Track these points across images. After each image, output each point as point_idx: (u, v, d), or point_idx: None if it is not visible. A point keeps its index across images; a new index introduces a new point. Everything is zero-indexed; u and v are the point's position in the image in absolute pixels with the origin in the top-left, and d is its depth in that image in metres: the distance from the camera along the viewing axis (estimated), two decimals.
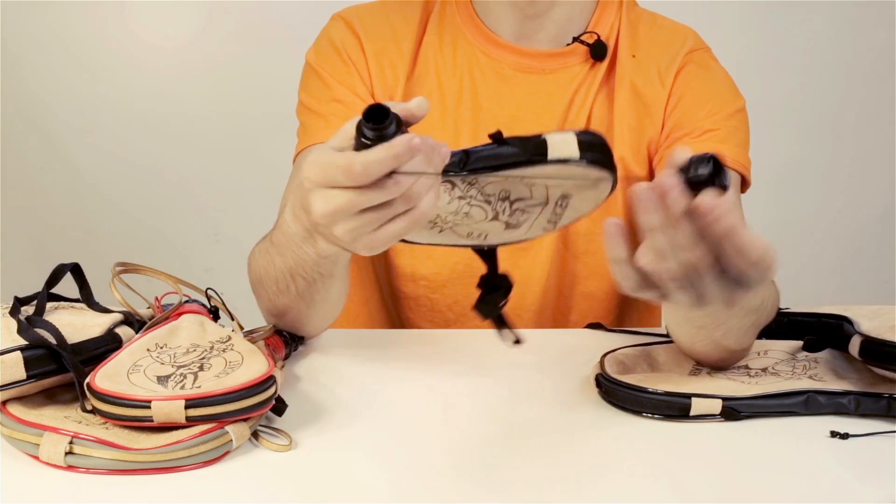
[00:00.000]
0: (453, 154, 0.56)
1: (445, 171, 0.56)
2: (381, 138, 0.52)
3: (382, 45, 0.97)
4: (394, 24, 0.98)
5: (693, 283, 0.51)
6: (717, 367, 0.79)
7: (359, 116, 0.53)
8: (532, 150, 0.57)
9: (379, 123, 0.52)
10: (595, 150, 0.58)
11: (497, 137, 0.57)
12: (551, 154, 0.57)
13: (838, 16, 2.11)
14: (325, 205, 0.55)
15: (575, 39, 0.97)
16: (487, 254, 0.71)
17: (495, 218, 0.64)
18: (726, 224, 0.48)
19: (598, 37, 0.97)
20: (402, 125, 0.53)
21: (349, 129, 0.55)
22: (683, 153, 0.50)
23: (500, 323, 0.72)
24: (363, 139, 0.53)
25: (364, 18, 0.98)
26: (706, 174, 0.48)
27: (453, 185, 0.60)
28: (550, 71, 0.98)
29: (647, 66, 0.98)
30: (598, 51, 0.97)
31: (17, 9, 1.97)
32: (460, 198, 0.61)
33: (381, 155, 0.52)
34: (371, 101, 0.96)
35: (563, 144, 0.57)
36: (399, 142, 0.52)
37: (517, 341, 0.72)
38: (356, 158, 0.53)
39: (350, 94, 0.96)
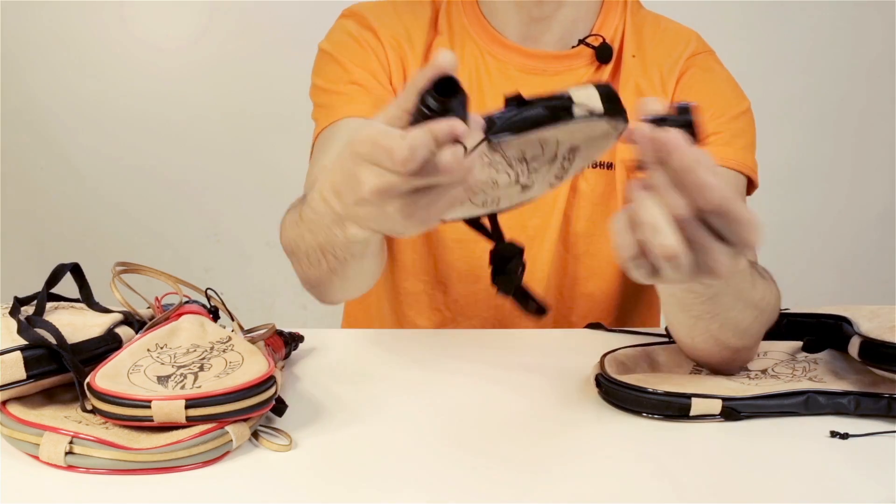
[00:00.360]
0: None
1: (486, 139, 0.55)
2: (444, 112, 0.50)
3: (397, 38, 0.97)
4: (405, 22, 0.98)
5: (679, 253, 0.51)
6: (723, 369, 0.78)
7: (419, 83, 0.51)
8: (559, 109, 0.56)
9: (446, 96, 0.50)
10: (613, 101, 0.58)
11: (518, 99, 0.56)
12: (578, 111, 0.57)
13: (839, 16, 2.11)
14: (377, 180, 0.53)
15: (580, 42, 0.97)
16: (492, 224, 0.69)
17: (516, 181, 0.63)
18: (685, 159, 0.49)
19: (604, 39, 0.97)
20: (466, 105, 0.51)
21: (393, 108, 0.53)
22: (654, 103, 0.52)
23: (522, 295, 0.70)
24: (424, 108, 0.50)
25: (377, 14, 0.99)
26: (674, 118, 0.51)
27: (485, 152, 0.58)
28: (555, 73, 0.98)
29: (650, 70, 0.98)
30: (603, 53, 0.97)
31: (17, 9, 1.98)
32: (489, 165, 0.60)
33: (423, 139, 0.49)
34: (389, 88, 0.97)
35: (587, 100, 0.57)
36: (440, 127, 0.49)
37: (541, 310, 0.70)
38: (401, 142, 0.50)
39: (370, 78, 0.95)
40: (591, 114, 0.57)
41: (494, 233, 0.70)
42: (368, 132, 0.52)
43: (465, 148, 0.51)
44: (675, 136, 0.50)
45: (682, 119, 0.52)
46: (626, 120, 0.59)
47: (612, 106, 0.58)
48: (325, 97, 0.97)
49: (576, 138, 0.62)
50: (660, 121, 0.51)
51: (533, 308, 0.71)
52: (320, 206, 0.65)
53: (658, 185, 0.51)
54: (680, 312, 0.73)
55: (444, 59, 0.51)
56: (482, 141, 0.54)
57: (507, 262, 0.69)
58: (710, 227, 0.51)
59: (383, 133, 0.51)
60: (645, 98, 0.53)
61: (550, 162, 0.63)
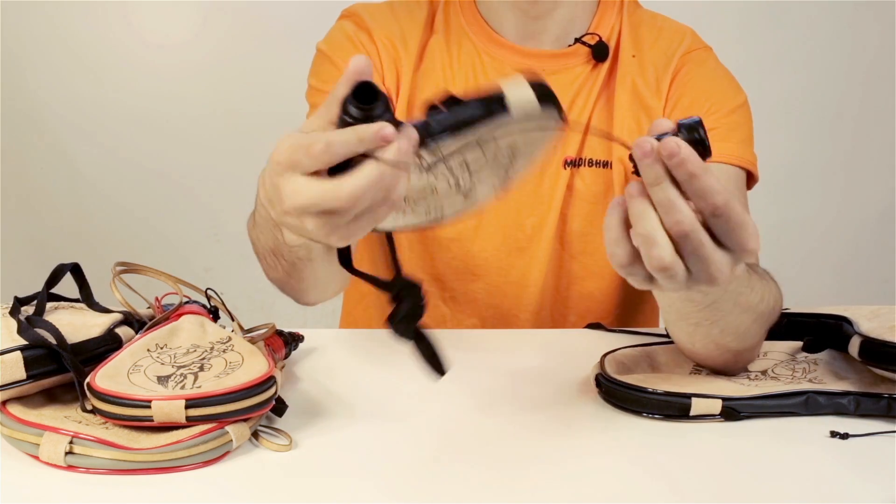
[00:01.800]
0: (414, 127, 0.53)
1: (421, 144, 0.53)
2: (367, 119, 0.49)
3: (391, 39, 0.98)
4: (401, 22, 0.99)
5: (674, 265, 0.52)
6: (725, 371, 0.78)
7: (340, 92, 0.50)
8: (493, 105, 0.55)
9: (367, 103, 0.49)
10: (547, 96, 0.57)
11: (451, 100, 0.55)
12: (512, 105, 0.56)
13: (838, 16, 2.11)
14: (295, 198, 0.51)
15: (577, 40, 0.97)
16: (391, 255, 0.65)
17: (457, 188, 0.62)
18: (690, 167, 0.50)
19: (600, 38, 0.97)
20: (390, 108, 0.50)
21: (317, 122, 0.52)
22: (664, 122, 0.53)
23: (423, 346, 0.63)
24: (347, 118, 0.50)
25: (374, 15, 1.00)
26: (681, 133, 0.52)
27: (420, 158, 0.56)
28: (552, 72, 0.98)
29: (646, 69, 0.98)
30: (599, 52, 0.98)
31: (18, 9, 1.98)
32: (427, 169, 0.58)
33: (346, 137, 0.49)
34: (381, 88, 0.96)
35: (521, 95, 0.56)
36: (368, 129, 0.49)
37: (440, 371, 0.62)
38: (319, 137, 0.49)
39: None
40: (526, 109, 0.56)
41: (394, 264, 0.65)
42: (288, 140, 0.51)
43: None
44: (679, 142, 0.51)
45: (691, 136, 0.52)
46: (562, 116, 0.58)
47: (547, 100, 0.57)
48: (318, 97, 0.98)
49: (513, 136, 0.60)
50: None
51: (430, 361, 0.63)
52: (262, 210, 0.66)
53: (659, 201, 0.52)
54: (679, 320, 0.73)
55: (358, 65, 0.50)
56: (418, 145, 0.52)
57: (400, 303, 0.64)
58: (711, 233, 0.52)
59: (302, 136, 0.51)
60: (657, 120, 0.54)
61: (492, 165, 0.61)
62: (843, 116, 2.19)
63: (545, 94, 0.57)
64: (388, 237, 0.66)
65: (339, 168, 0.50)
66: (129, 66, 2.04)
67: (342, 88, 0.50)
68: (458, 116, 0.55)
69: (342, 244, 0.56)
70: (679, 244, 0.52)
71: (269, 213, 0.61)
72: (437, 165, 0.58)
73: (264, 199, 0.60)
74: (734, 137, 0.95)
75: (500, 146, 0.60)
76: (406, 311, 0.64)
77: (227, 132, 2.08)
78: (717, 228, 0.52)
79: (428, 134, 0.54)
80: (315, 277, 0.79)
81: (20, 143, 2.07)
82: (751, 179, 0.96)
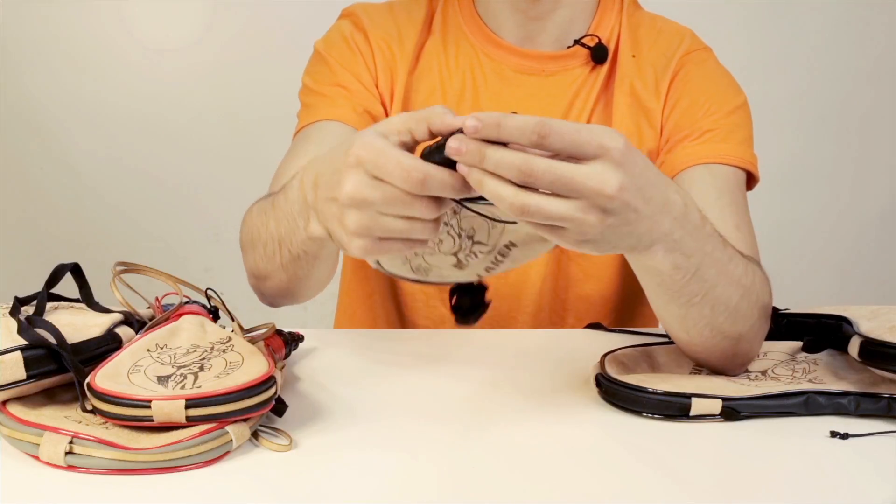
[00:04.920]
0: None
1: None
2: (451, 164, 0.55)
3: (387, 40, 0.98)
4: (399, 23, 0.99)
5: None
6: (727, 368, 0.77)
7: (434, 124, 0.55)
8: None
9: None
10: None
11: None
12: None
13: (840, 16, 2.11)
14: (359, 188, 0.56)
15: (576, 42, 0.97)
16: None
17: (455, 253, 0.67)
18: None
19: (599, 40, 0.97)
20: None
21: (398, 123, 0.57)
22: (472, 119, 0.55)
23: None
24: (437, 157, 0.55)
25: (371, 15, 1.00)
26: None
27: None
28: (551, 73, 0.98)
29: (645, 70, 0.98)
30: (598, 54, 0.97)
31: (18, 10, 1.98)
32: (444, 223, 0.64)
33: (446, 180, 0.54)
34: (374, 91, 0.97)
35: None
36: (458, 180, 0.55)
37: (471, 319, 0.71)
38: (421, 167, 0.54)
39: (355, 81, 0.96)
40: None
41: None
42: (377, 143, 0.55)
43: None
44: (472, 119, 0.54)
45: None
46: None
47: None
48: (310, 97, 0.98)
49: (518, 233, 0.65)
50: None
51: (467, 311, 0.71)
52: (294, 193, 0.68)
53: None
54: (671, 302, 0.70)
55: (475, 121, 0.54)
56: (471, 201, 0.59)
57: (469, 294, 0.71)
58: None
59: (395, 150, 0.55)
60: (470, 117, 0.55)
61: (489, 251, 0.66)
62: (846, 117, 2.19)
63: None
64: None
65: None
66: (128, 70, 2.05)
67: (441, 125, 0.56)
68: None
69: (358, 253, 0.59)
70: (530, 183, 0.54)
71: (303, 195, 0.66)
72: (455, 224, 0.64)
73: (310, 180, 0.64)
74: (734, 138, 0.94)
75: (502, 238, 0.65)
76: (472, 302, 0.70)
77: (227, 134, 2.08)
78: (559, 147, 0.53)
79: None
80: (308, 276, 0.80)
81: (20, 144, 2.07)
82: (751, 180, 0.96)
